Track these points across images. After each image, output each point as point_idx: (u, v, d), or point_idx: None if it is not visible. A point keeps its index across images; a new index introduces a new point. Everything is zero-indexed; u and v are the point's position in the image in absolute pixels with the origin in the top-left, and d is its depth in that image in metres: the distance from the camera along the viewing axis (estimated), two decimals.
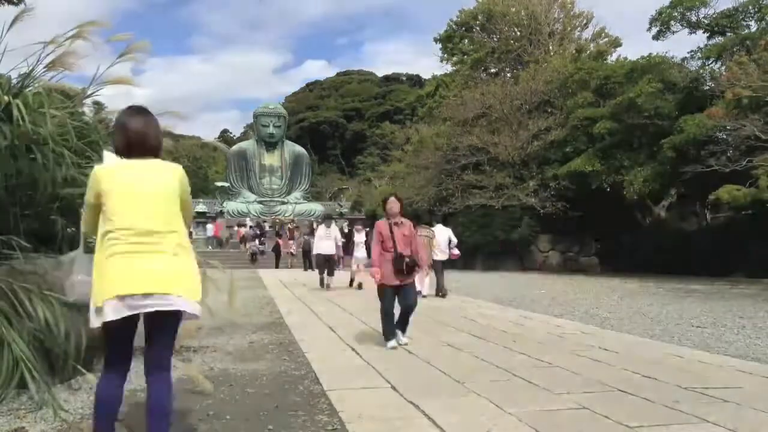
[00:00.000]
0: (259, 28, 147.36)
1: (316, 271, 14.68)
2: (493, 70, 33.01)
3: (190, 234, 3.35)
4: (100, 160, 3.43)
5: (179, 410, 3.87)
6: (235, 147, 49.86)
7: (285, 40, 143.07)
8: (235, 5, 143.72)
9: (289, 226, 33.98)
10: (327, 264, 13.78)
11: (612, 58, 27.78)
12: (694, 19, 21.60)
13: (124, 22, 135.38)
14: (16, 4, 11.02)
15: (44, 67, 5.19)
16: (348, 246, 15.92)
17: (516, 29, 31.92)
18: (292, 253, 28.29)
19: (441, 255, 11.98)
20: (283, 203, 44.23)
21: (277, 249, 28.05)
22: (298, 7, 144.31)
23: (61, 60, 5.16)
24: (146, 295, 2.64)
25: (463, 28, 34.56)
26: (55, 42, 5.15)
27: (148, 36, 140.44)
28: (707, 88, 19.94)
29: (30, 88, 5.26)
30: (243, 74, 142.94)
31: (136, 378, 4.78)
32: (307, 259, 22.49)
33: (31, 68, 5.19)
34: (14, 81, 5.30)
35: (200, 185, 56.47)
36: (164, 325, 2.80)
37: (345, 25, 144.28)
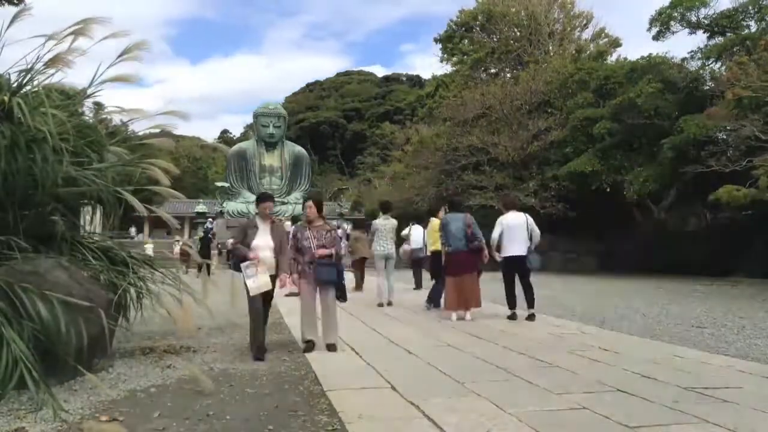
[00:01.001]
0: (327, 35, 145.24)
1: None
2: (493, 71, 33.01)
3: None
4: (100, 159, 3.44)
5: (179, 410, 3.87)
6: (234, 147, 49.83)
7: (349, 47, 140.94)
8: (307, 13, 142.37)
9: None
10: None
11: (612, 59, 27.78)
12: (694, 19, 21.58)
13: (196, 27, 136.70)
14: (17, 4, 11.03)
15: (43, 65, 5.18)
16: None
17: (516, 29, 31.94)
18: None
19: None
20: (283, 203, 44.20)
21: None
22: (368, 13, 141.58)
23: (58, 59, 5.15)
24: None
25: (463, 29, 34.55)
26: (55, 38, 5.14)
27: (220, 40, 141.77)
28: (707, 88, 19.94)
29: (28, 87, 5.25)
30: (291, 78, 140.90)
31: (136, 378, 4.78)
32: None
33: (29, 66, 5.18)
34: (14, 80, 5.29)
35: (200, 185, 56.49)
36: None
37: (412, 30, 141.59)
